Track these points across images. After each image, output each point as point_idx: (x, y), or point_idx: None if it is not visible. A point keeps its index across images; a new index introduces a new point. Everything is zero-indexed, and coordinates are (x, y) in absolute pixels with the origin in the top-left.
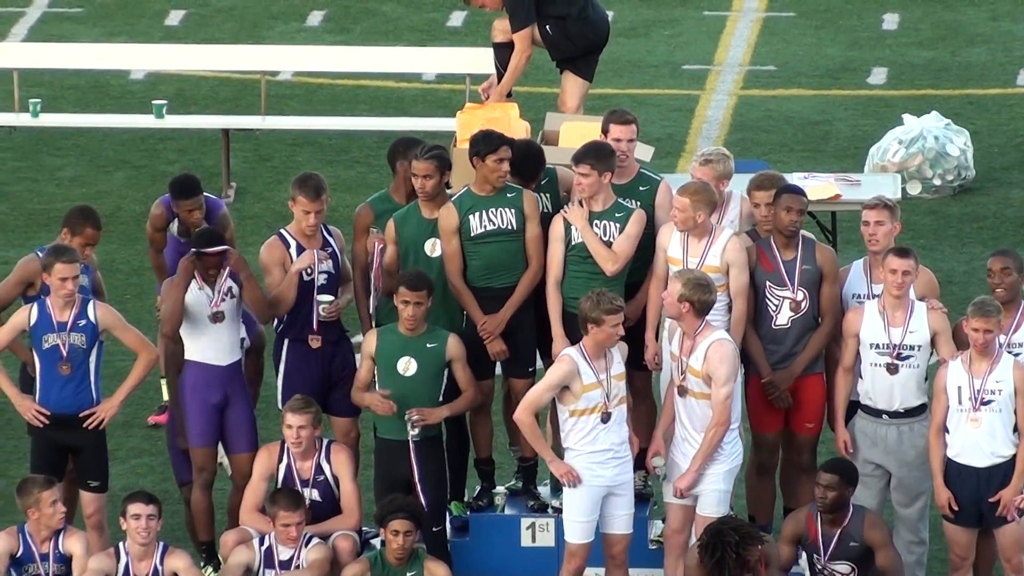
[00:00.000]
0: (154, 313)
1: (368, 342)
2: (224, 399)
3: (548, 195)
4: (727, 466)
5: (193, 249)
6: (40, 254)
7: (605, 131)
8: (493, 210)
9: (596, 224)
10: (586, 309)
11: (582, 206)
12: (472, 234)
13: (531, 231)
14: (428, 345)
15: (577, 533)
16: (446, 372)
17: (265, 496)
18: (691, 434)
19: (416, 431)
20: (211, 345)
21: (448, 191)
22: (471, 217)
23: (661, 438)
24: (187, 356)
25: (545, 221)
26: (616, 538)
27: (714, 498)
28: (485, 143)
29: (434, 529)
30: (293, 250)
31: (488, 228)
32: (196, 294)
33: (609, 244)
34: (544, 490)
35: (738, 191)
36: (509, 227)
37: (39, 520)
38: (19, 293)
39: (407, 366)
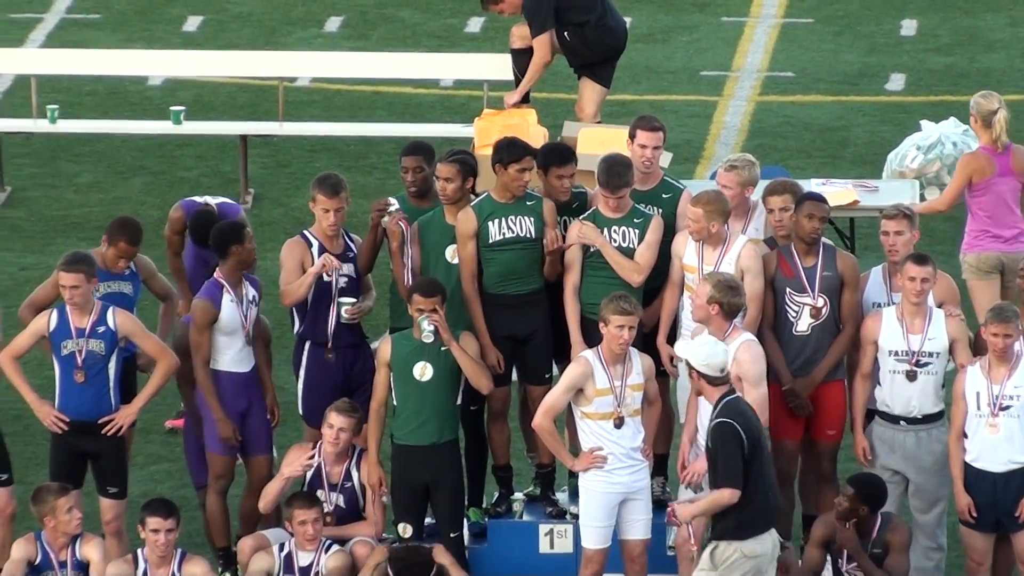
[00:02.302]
0: (175, 319)
1: (383, 350)
2: (248, 406)
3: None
4: None
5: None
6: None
7: (632, 136)
8: (512, 217)
9: (615, 230)
10: (602, 305)
11: (592, 220)
12: (490, 240)
13: (549, 238)
14: (443, 348)
15: (594, 539)
16: (463, 375)
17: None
18: None
19: (431, 328)
20: (237, 355)
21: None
22: (490, 224)
23: (689, 447)
24: (217, 367)
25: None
26: (634, 543)
27: None
28: (509, 152)
29: (452, 535)
30: (315, 249)
31: (507, 236)
32: (229, 306)
33: (629, 249)
34: (562, 496)
35: None
36: (528, 235)
37: (55, 527)
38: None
39: (423, 371)
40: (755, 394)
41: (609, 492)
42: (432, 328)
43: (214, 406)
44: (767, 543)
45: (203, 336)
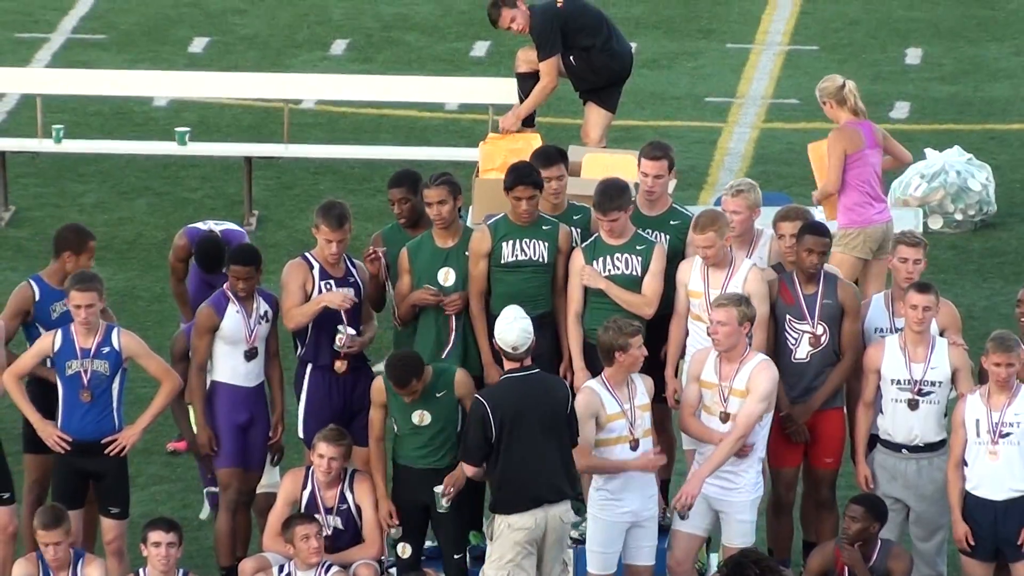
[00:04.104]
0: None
1: (377, 390)
2: (250, 420)
3: (579, 230)
4: (752, 496)
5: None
6: (33, 282)
7: (639, 163)
8: (527, 240)
9: (617, 257)
10: (610, 338)
11: (593, 247)
12: (502, 261)
13: (562, 265)
14: (437, 395)
15: (598, 564)
16: (460, 409)
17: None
18: (727, 464)
19: (447, 504)
20: (238, 368)
21: (460, 218)
22: (504, 244)
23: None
24: (217, 377)
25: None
26: (639, 569)
27: (739, 528)
28: (508, 177)
29: (454, 557)
30: (316, 272)
31: (519, 258)
32: (233, 317)
33: (632, 277)
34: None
35: (769, 231)
36: (540, 259)
37: (48, 555)
38: (18, 324)
39: (421, 418)
40: (752, 407)
41: (618, 521)
42: (448, 503)
43: (197, 410)
44: (533, 519)
45: (201, 341)
